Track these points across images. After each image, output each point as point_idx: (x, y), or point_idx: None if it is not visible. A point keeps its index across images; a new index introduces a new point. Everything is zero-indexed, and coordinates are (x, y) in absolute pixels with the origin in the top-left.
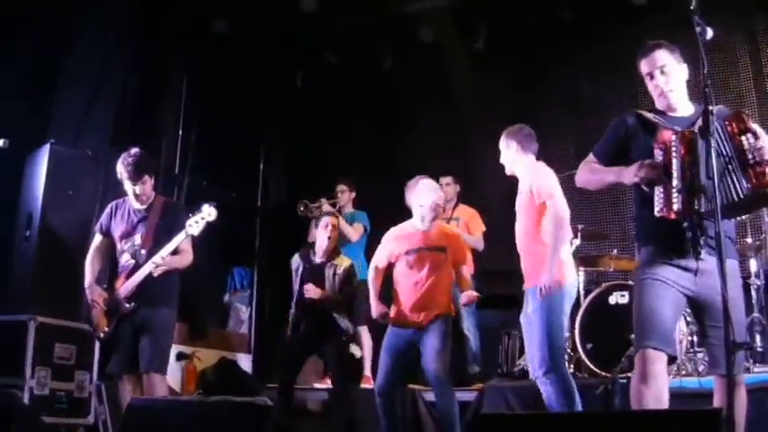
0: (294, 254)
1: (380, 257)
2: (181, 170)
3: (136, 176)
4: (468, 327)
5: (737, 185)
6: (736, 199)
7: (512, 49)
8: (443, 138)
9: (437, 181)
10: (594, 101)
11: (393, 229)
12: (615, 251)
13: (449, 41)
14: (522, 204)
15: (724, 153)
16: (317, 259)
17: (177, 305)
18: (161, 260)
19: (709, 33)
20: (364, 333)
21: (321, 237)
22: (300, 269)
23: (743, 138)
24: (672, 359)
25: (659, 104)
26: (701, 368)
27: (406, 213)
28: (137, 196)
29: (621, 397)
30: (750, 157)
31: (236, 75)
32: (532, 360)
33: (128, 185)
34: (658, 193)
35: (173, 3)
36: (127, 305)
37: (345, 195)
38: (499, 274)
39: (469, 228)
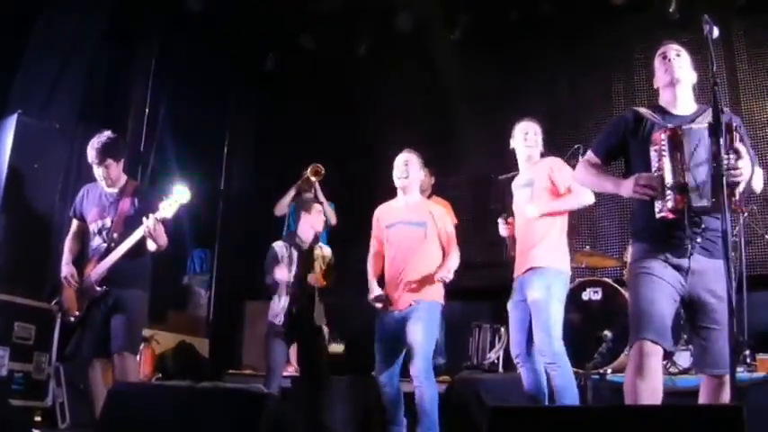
0: (262, 238)
1: (373, 238)
2: (146, 148)
3: (98, 159)
4: None
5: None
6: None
7: (491, 39)
8: (418, 127)
9: None
10: (570, 93)
11: (380, 206)
12: (587, 247)
13: (429, 28)
14: (538, 195)
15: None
16: (305, 245)
17: (149, 287)
18: (152, 223)
19: (716, 32)
20: None
21: (317, 222)
22: (295, 255)
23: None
24: (667, 354)
25: (663, 95)
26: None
27: (377, 201)
28: (101, 179)
29: (594, 393)
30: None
31: (207, 54)
32: (520, 345)
33: (94, 168)
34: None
35: None
36: (98, 288)
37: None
38: (467, 267)
39: None
